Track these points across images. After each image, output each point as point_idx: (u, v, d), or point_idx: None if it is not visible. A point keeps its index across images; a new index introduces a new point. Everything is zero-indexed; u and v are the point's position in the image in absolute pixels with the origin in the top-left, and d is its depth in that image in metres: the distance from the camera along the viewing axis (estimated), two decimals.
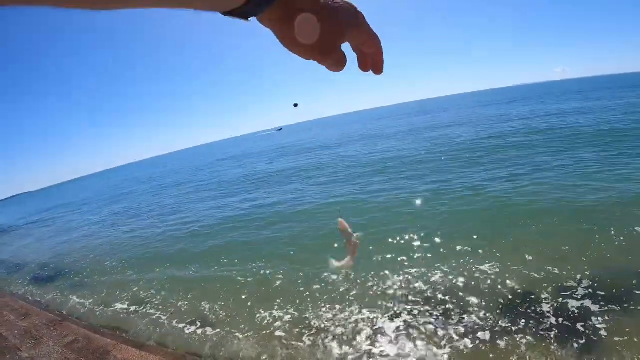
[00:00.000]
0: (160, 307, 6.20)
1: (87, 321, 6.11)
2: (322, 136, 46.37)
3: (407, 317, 4.47)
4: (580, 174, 8.78)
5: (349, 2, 0.53)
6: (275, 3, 0.48)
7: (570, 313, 4.03)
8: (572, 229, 6.05)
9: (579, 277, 4.63)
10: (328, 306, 5.08)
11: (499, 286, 4.76)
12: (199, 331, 5.14)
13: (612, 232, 5.57)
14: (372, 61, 0.61)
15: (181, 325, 5.39)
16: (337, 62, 0.55)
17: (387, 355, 3.89)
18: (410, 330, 4.22)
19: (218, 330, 5.07)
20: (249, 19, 0.49)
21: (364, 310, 4.77)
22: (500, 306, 4.35)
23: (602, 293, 4.25)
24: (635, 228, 5.57)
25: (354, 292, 5.30)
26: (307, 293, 5.60)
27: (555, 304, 4.21)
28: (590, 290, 4.34)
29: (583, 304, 4.13)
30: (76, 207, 29.62)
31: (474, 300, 4.56)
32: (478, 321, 4.16)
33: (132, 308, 6.39)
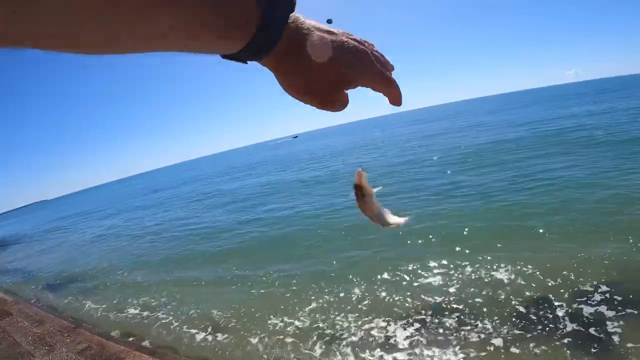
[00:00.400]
0: (172, 312, 6.18)
1: (100, 328, 6.11)
2: (337, 143, 46.43)
3: (420, 325, 4.36)
4: (597, 177, 8.55)
5: (352, 48, 0.51)
6: (272, 53, 0.47)
7: (585, 319, 3.88)
8: (590, 233, 5.86)
9: (595, 282, 4.47)
10: (340, 313, 4.99)
11: (514, 292, 4.62)
12: (210, 337, 5.10)
13: (631, 238, 5.37)
14: (388, 96, 0.58)
15: (193, 331, 5.36)
16: (335, 108, 0.54)
17: None
18: (424, 338, 4.12)
19: (229, 335, 5.03)
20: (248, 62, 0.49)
21: (377, 319, 4.67)
22: (515, 312, 4.23)
23: (619, 298, 4.09)
24: None
25: (367, 300, 5.20)
26: (320, 300, 5.52)
27: (571, 310, 4.06)
28: (607, 296, 4.17)
29: (599, 309, 3.97)
30: (90, 215, 30.02)
31: (487, 306, 4.44)
32: (491, 328, 4.04)
33: (145, 314, 6.38)
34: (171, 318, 5.98)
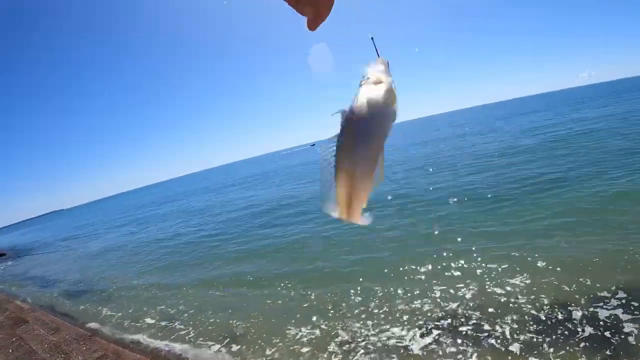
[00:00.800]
0: (189, 322, 6.08)
1: (116, 336, 6.05)
2: None
3: (437, 332, 4.27)
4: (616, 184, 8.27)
5: None
6: None
7: (602, 325, 3.78)
8: (605, 239, 5.66)
9: (613, 288, 4.34)
10: (358, 321, 4.89)
11: (530, 299, 4.51)
12: (226, 348, 4.99)
13: None
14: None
15: (209, 342, 5.25)
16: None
17: None
18: (441, 346, 4.01)
19: (246, 346, 4.92)
20: None
21: (394, 327, 4.57)
22: (531, 319, 4.12)
23: (636, 303, 3.96)
24: None
25: (384, 307, 5.09)
26: (336, 307, 5.42)
27: (587, 316, 3.96)
28: (624, 301, 4.06)
29: (615, 313, 3.89)
30: (106, 224, 30.39)
31: (504, 314, 4.34)
32: (509, 335, 3.94)
33: (161, 323, 6.30)
34: (188, 327, 5.89)
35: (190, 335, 5.56)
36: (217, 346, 5.07)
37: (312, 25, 0.53)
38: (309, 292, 6.14)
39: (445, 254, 6.32)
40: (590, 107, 31.58)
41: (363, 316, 5.00)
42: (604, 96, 45.00)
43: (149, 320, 6.53)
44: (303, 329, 5.00)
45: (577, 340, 3.64)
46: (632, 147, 11.26)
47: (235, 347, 4.94)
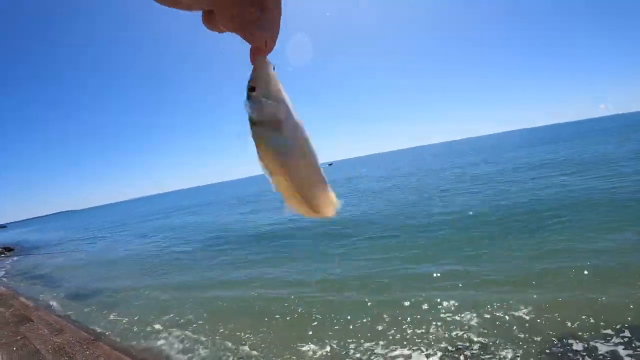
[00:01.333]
0: (195, 333, 6.01)
1: (119, 342, 5.99)
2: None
3: (442, 357, 4.28)
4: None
5: None
6: None
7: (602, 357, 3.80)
8: (613, 276, 5.60)
9: (618, 326, 4.27)
10: (367, 341, 4.88)
11: (533, 331, 4.48)
12: None
13: None
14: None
15: (217, 355, 5.16)
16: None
17: None
18: None
19: None
20: None
21: (402, 349, 4.58)
22: (533, 351, 4.11)
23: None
24: None
25: (393, 329, 5.07)
26: (346, 326, 5.40)
27: (589, 351, 3.95)
28: (626, 339, 4.02)
29: (617, 351, 3.87)
30: (117, 228, 30.62)
31: (506, 343, 4.33)
32: None
33: (167, 332, 6.22)
34: (194, 339, 5.81)
35: (196, 347, 5.49)
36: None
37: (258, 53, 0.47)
38: (317, 307, 6.15)
39: (451, 281, 6.35)
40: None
41: (370, 335, 5.03)
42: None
43: (154, 328, 6.46)
44: (312, 345, 4.98)
45: None
46: None
47: None
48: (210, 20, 0.45)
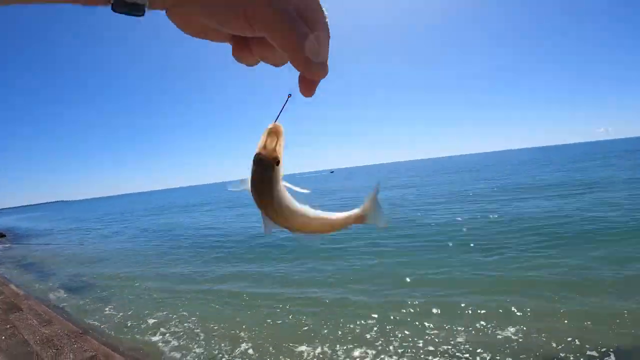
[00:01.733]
0: (190, 330, 6.06)
1: (109, 337, 6.00)
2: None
3: None
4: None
5: None
6: None
7: None
8: (606, 302, 5.65)
9: (603, 349, 4.32)
10: (358, 346, 4.96)
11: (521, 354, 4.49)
12: None
13: None
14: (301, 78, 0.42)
15: (211, 353, 5.20)
16: (295, 33, 0.37)
17: None
18: None
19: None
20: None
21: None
22: None
23: None
24: None
25: (381, 339, 5.09)
26: (337, 330, 5.48)
27: None
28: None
29: None
30: (114, 220, 30.51)
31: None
32: None
33: (161, 328, 6.25)
34: (189, 337, 5.85)
35: (186, 349, 5.50)
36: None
37: (307, 88, 0.42)
38: (310, 314, 6.19)
39: (437, 299, 6.37)
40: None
41: (360, 341, 5.10)
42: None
43: (145, 325, 6.48)
44: (306, 346, 5.06)
45: None
46: None
47: None
48: (246, 50, 0.43)
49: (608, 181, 18.85)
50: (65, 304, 8.29)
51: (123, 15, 0.36)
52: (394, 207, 17.79)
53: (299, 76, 0.41)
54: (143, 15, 0.37)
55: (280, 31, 0.36)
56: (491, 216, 12.77)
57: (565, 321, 5.12)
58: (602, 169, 26.69)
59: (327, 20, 0.40)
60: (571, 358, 4.29)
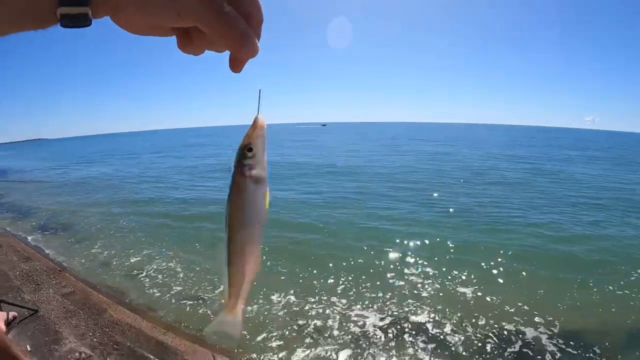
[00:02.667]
0: (168, 273, 6.32)
1: (86, 276, 6.22)
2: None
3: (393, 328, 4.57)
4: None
5: None
6: None
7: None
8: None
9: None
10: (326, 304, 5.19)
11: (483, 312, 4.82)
12: (195, 309, 5.20)
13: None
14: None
15: (181, 301, 5.40)
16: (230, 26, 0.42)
17: None
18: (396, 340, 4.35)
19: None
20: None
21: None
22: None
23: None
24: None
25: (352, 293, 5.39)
26: (304, 284, 5.70)
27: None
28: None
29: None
30: (95, 159, 29.91)
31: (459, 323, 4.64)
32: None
33: (139, 271, 6.47)
34: (167, 277, 6.15)
35: (163, 290, 5.74)
36: (189, 305, 5.29)
37: (235, 66, 0.47)
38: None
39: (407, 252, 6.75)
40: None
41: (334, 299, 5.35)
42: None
43: (127, 264, 6.77)
44: (278, 294, 5.31)
45: None
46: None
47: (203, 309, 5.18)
48: (189, 42, 0.47)
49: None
50: (45, 242, 8.41)
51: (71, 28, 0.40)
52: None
53: (229, 55, 0.46)
54: (90, 25, 0.41)
55: (207, 22, 0.41)
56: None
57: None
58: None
59: (259, 3, 0.45)
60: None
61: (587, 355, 4.10)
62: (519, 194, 12.14)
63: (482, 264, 6.44)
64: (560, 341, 4.33)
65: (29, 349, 3.34)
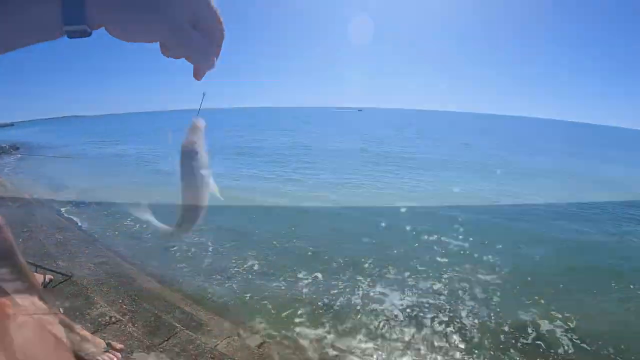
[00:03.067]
0: (198, 247, 6.46)
1: (117, 248, 6.40)
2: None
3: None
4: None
5: None
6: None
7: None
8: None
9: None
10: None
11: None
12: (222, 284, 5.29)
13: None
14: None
15: (210, 276, 5.50)
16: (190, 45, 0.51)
17: None
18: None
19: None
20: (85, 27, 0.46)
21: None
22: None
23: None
24: None
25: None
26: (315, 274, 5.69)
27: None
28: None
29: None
30: (130, 136, 30.53)
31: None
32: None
33: (165, 246, 6.56)
34: (197, 250, 6.30)
35: (200, 255, 5.96)
36: (214, 284, 5.41)
37: (196, 76, 0.56)
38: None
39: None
40: None
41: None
42: None
43: (156, 238, 6.68)
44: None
45: None
46: None
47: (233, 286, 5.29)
48: (165, 51, 0.54)
49: None
50: (76, 214, 8.68)
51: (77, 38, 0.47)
52: None
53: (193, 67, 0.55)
54: (91, 35, 0.47)
55: (172, 46, 0.51)
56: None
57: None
58: None
59: (221, 24, 0.53)
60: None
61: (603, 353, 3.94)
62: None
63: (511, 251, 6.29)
64: (575, 337, 4.17)
65: (61, 311, 3.46)
